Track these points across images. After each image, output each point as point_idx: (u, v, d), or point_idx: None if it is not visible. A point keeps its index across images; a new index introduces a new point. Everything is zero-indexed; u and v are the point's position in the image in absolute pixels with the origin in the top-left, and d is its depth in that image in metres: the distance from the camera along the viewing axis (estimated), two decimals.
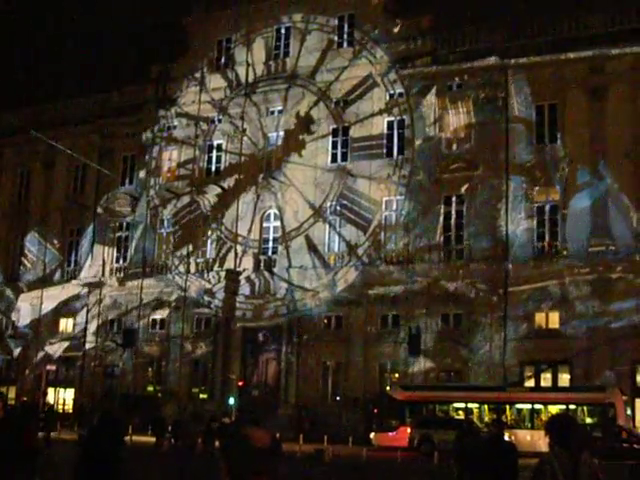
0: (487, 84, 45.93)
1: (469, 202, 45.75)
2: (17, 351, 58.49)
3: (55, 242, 58.98)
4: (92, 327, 55.54)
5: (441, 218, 46.28)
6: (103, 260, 56.08)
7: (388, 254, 47.37)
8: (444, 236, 46.15)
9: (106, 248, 56.43)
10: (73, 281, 56.80)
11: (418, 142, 47.31)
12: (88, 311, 55.76)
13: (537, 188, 44.48)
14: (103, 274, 55.83)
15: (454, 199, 46.39)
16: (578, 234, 42.17)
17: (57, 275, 58.31)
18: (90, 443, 9.78)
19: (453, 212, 46.37)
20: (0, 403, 9.19)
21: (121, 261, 56.26)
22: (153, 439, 37.60)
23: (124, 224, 56.91)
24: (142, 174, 56.23)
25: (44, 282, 57.80)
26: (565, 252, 42.73)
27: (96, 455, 9.47)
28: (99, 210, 57.08)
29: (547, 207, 44.31)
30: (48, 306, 57.42)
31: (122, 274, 55.45)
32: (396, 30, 49.34)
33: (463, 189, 45.83)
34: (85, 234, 58.08)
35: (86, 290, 56.06)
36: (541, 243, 43.82)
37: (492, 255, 44.14)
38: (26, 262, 60.17)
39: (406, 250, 46.71)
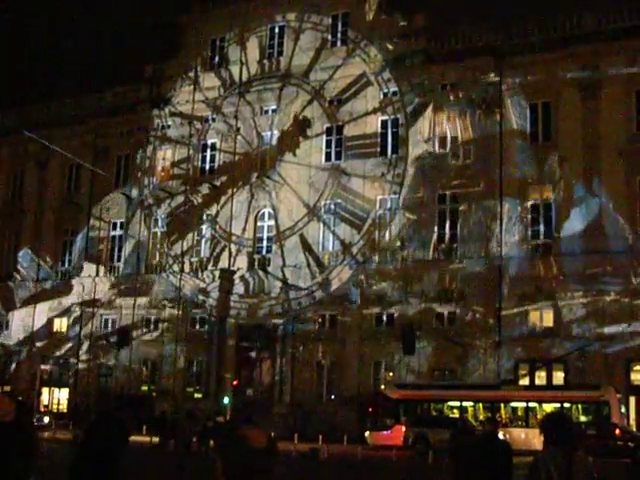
0: (481, 83, 45.91)
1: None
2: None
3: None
4: (86, 327, 55.54)
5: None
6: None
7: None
8: (438, 235, 46.20)
9: (99, 256, 56.39)
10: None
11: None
12: (82, 315, 55.83)
13: (532, 186, 44.43)
14: (96, 275, 55.85)
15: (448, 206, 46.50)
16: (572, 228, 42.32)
17: (48, 283, 58.25)
18: (86, 443, 9.76)
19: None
20: (13, 404, 9.05)
21: (115, 261, 56.26)
22: (147, 439, 37.66)
23: (118, 224, 56.88)
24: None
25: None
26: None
27: (91, 455, 9.45)
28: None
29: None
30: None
31: (115, 274, 55.54)
32: (390, 29, 49.32)
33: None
34: (76, 241, 58.15)
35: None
36: (535, 242, 43.90)
37: (486, 254, 44.22)
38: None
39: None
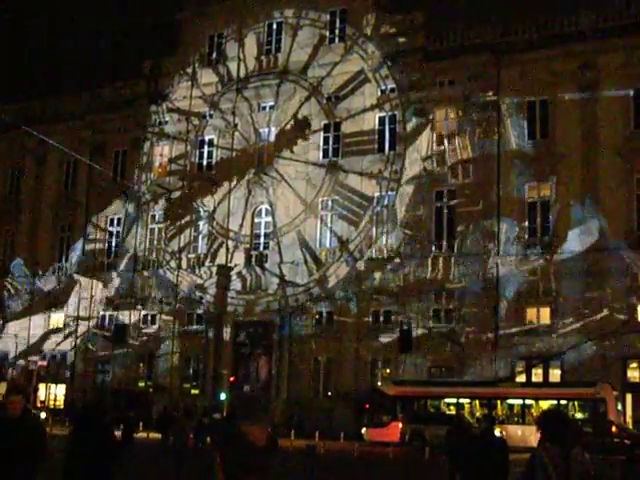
0: (479, 80, 45.88)
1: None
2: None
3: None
4: (83, 323, 55.52)
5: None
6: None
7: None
8: (435, 232, 46.29)
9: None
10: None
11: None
12: (79, 311, 55.81)
13: (530, 184, 44.51)
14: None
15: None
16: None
17: (46, 280, 58.25)
18: (74, 439, 9.74)
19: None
20: (23, 401, 8.86)
21: (113, 257, 56.18)
22: (145, 435, 37.66)
23: (115, 220, 56.86)
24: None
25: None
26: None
27: (84, 451, 9.43)
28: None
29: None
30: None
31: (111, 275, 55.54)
32: (388, 26, 49.29)
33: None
34: (74, 237, 58.16)
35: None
36: (531, 239, 43.96)
37: (483, 251, 44.25)
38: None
39: (397, 246, 46.73)
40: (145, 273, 53.85)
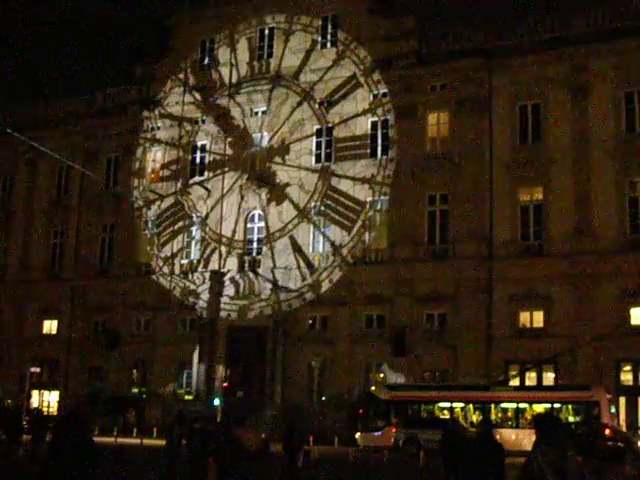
0: (471, 84, 45.96)
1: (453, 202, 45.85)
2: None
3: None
4: (77, 329, 55.39)
5: (425, 221, 46.37)
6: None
7: (372, 255, 47.30)
8: (428, 236, 46.29)
9: None
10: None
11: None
12: (72, 317, 55.69)
13: (522, 188, 44.57)
14: None
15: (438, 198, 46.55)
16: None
17: (39, 285, 58.09)
18: (55, 444, 9.74)
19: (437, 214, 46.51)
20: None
21: (106, 263, 56.12)
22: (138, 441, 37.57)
23: (108, 226, 56.73)
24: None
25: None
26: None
27: (62, 455, 9.42)
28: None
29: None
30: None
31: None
32: (380, 30, 49.32)
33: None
34: (66, 243, 58.03)
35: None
36: (525, 242, 44.02)
37: (476, 255, 44.22)
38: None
39: (390, 250, 46.73)
40: (138, 279, 53.67)
